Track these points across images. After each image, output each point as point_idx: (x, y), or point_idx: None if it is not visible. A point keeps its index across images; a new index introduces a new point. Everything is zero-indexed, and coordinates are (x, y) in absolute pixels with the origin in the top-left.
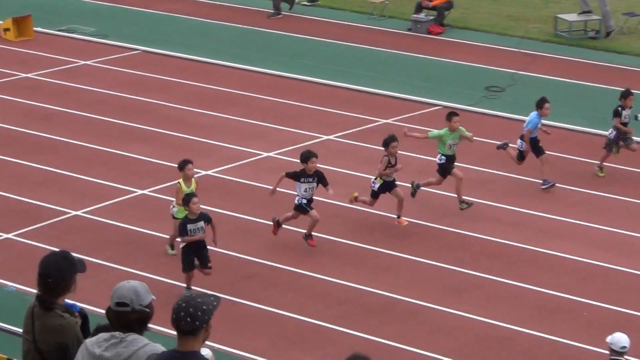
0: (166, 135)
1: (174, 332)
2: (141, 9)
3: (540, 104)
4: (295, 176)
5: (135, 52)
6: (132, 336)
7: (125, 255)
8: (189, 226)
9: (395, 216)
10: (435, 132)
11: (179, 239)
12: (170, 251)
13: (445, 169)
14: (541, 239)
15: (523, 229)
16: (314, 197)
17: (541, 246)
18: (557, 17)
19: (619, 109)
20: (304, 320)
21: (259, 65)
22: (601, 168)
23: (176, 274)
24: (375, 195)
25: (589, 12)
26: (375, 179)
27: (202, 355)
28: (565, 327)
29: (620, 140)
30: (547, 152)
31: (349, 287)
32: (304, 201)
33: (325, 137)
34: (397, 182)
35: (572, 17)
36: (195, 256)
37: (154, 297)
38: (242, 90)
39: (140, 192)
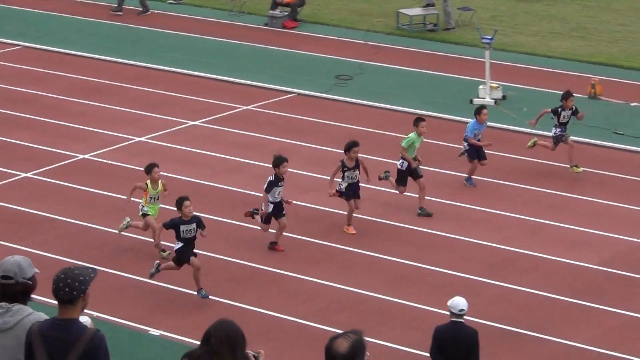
0: (46, 122)
1: (56, 302)
2: (23, 8)
3: (477, 111)
4: (274, 183)
5: (17, 47)
6: (17, 306)
7: (10, 233)
8: (182, 227)
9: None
10: (406, 141)
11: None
12: (163, 255)
13: (403, 176)
14: (386, 212)
15: (371, 203)
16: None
17: (387, 219)
18: (399, 12)
19: (559, 109)
20: (173, 289)
21: (131, 58)
22: (576, 165)
23: (58, 249)
24: (344, 196)
25: (431, 5)
26: (342, 181)
27: (81, 322)
28: (411, 292)
29: (561, 138)
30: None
31: (209, 257)
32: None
33: (192, 123)
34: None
35: (412, 11)
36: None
37: (37, 270)
38: (115, 81)
39: (23, 174)
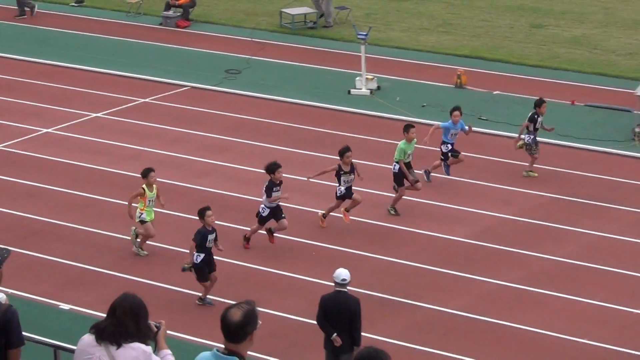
0: None
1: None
2: None
3: (451, 112)
4: (269, 188)
5: None
6: None
7: None
8: (208, 236)
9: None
10: (398, 150)
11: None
12: (142, 252)
13: (398, 178)
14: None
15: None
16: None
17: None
18: (282, 11)
19: (535, 116)
20: (80, 267)
21: (36, 57)
22: (531, 171)
23: None
24: (344, 198)
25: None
26: (339, 185)
27: None
28: (300, 265)
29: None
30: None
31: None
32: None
33: (94, 115)
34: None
35: (293, 11)
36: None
37: None
38: (22, 77)
39: None
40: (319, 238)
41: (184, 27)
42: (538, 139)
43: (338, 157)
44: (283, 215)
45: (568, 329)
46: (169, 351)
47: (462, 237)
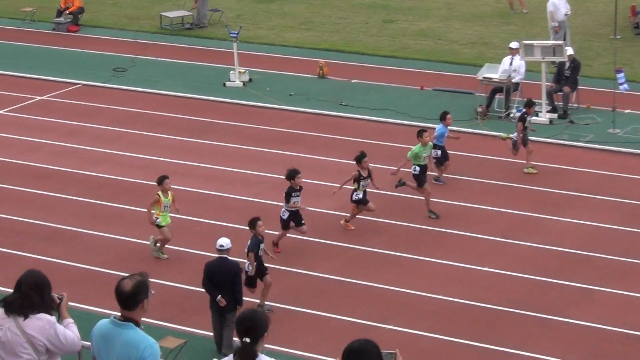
0: None
1: None
2: None
3: (443, 116)
4: (288, 194)
5: None
6: None
7: None
8: (261, 245)
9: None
10: (411, 152)
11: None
12: (162, 256)
13: (420, 179)
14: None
15: (152, 169)
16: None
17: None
18: (162, 14)
19: (525, 115)
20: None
21: None
22: (531, 168)
23: None
24: (362, 202)
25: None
26: (356, 190)
27: None
28: (183, 240)
29: (522, 142)
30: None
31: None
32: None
33: None
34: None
35: (172, 14)
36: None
37: None
38: None
39: None
40: (201, 215)
41: (75, 32)
42: (532, 137)
43: (355, 163)
44: (303, 222)
45: (425, 287)
46: (71, 320)
47: (329, 210)
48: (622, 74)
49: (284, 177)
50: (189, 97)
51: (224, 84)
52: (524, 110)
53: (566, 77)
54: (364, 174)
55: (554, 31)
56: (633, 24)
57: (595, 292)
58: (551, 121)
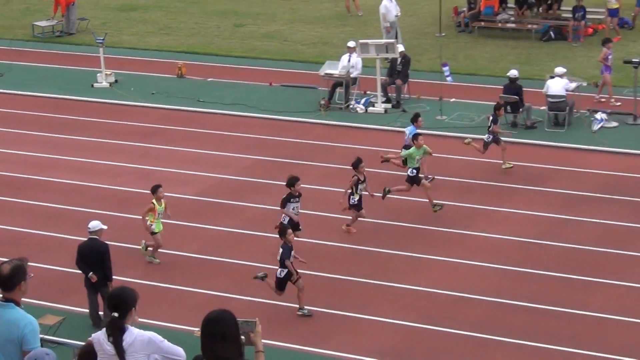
0: None
1: None
2: None
3: (414, 119)
4: (286, 200)
5: None
6: None
7: None
8: (292, 252)
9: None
10: (406, 152)
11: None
12: (155, 260)
13: (415, 180)
14: (41, 170)
15: (27, 165)
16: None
17: (44, 175)
18: (34, 24)
19: (497, 118)
20: None
21: None
22: (509, 164)
23: None
24: (357, 207)
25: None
26: (352, 194)
27: None
28: (61, 227)
29: (494, 141)
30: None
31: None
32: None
33: None
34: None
35: (43, 24)
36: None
37: None
38: None
39: None
40: (75, 204)
41: None
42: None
43: (352, 169)
44: (300, 228)
45: (267, 260)
46: None
47: (189, 195)
48: (447, 67)
49: (149, 167)
50: (62, 97)
51: (92, 85)
52: (495, 113)
53: (398, 71)
54: (362, 178)
55: (386, 31)
56: (456, 23)
57: (426, 260)
58: (386, 110)
